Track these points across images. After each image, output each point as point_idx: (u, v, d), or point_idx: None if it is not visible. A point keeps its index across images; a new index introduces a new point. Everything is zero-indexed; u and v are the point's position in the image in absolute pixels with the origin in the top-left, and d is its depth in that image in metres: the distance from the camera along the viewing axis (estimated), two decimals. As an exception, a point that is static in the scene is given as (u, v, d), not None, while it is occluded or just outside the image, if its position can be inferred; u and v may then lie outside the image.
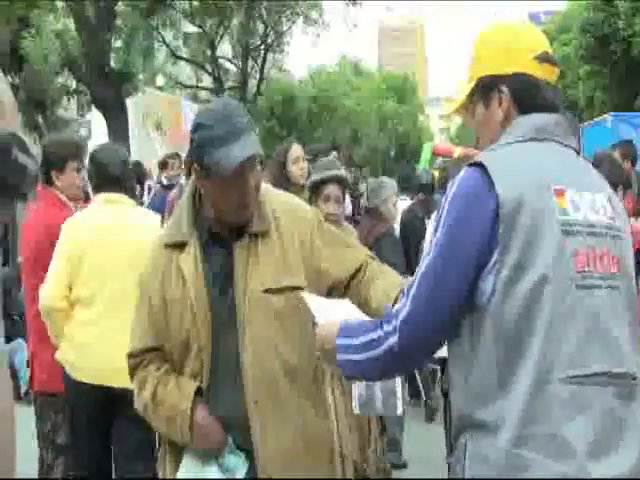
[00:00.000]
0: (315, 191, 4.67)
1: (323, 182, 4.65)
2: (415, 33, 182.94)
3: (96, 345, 4.23)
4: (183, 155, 9.75)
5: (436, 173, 9.78)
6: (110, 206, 4.47)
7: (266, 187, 3.05)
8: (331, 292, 2.93)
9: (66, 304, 4.31)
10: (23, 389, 7.57)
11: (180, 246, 2.84)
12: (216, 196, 2.79)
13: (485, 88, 2.31)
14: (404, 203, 8.43)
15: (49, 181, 4.79)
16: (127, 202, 4.54)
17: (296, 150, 5.46)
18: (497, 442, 1.99)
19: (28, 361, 5.00)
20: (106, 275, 4.29)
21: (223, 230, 2.86)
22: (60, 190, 4.80)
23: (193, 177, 2.93)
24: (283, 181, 5.10)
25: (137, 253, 3.98)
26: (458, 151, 11.57)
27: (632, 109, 18.13)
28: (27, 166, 2.71)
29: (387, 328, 2.21)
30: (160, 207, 8.62)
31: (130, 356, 2.94)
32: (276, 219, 2.89)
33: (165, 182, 10.62)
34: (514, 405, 2.00)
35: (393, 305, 2.32)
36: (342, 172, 4.84)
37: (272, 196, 3.00)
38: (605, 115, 12.39)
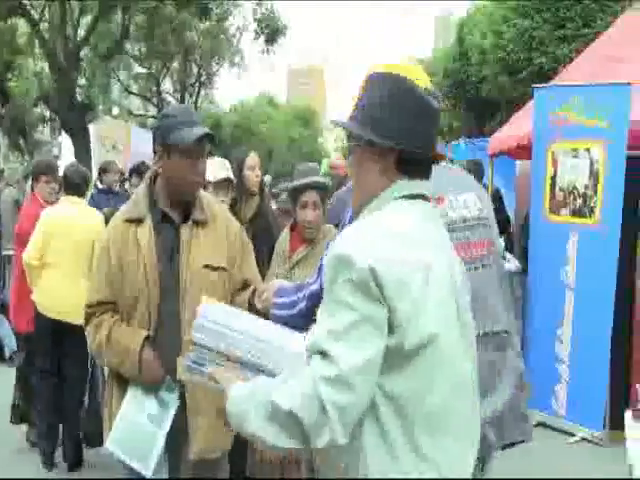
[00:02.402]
0: (294, 198, 4.09)
1: (302, 189, 4.03)
2: (317, 74, 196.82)
3: (55, 294, 5.18)
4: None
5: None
6: (70, 205, 5.29)
7: (206, 194, 3.14)
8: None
9: (38, 263, 5.18)
10: (7, 354, 8.01)
11: (137, 221, 2.89)
12: (173, 173, 2.83)
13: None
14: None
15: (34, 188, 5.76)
16: (81, 203, 5.38)
17: (252, 158, 4.82)
18: None
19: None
20: (64, 251, 5.16)
21: (173, 213, 2.91)
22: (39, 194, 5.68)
23: (150, 171, 3.02)
24: (239, 187, 4.68)
25: (83, 240, 5.10)
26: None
27: (482, 135, 18.00)
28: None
29: (299, 294, 2.41)
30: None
31: (87, 306, 2.95)
32: (214, 216, 2.99)
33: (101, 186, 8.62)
34: None
35: None
36: (321, 179, 4.19)
37: (211, 198, 3.12)
38: (460, 140, 13.27)
